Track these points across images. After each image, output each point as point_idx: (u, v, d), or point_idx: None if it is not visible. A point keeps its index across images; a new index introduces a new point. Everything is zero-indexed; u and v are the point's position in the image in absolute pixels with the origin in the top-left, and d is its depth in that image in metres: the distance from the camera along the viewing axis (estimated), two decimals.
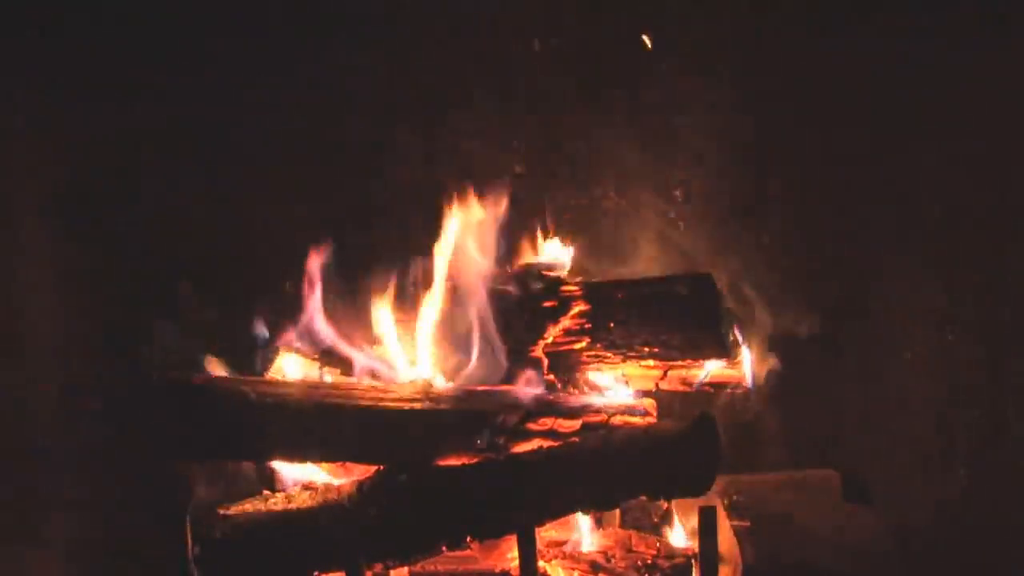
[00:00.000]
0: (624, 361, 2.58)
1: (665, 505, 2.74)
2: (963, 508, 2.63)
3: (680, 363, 2.59)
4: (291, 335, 2.54)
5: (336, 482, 2.38)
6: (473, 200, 2.63)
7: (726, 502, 2.62)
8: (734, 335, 2.60)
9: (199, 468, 2.38)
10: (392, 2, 2.93)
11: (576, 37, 2.92)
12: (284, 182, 2.87)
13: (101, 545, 2.67)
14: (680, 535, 2.69)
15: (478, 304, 2.52)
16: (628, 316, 2.55)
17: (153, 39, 2.83)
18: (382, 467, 2.33)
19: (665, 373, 2.61)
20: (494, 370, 2.49)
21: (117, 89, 2.76)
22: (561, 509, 2.33)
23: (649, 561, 2.54)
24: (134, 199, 2.82)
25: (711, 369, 2.61)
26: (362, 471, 2.36)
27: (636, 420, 2.53)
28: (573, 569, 2.48)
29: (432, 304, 2.57)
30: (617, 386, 2.61)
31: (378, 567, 2.32)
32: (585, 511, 2.38)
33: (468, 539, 2.28)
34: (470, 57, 2.96)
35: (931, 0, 2.80)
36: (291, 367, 2.54)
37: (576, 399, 2.50)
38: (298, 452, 2.31)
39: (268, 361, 2.53)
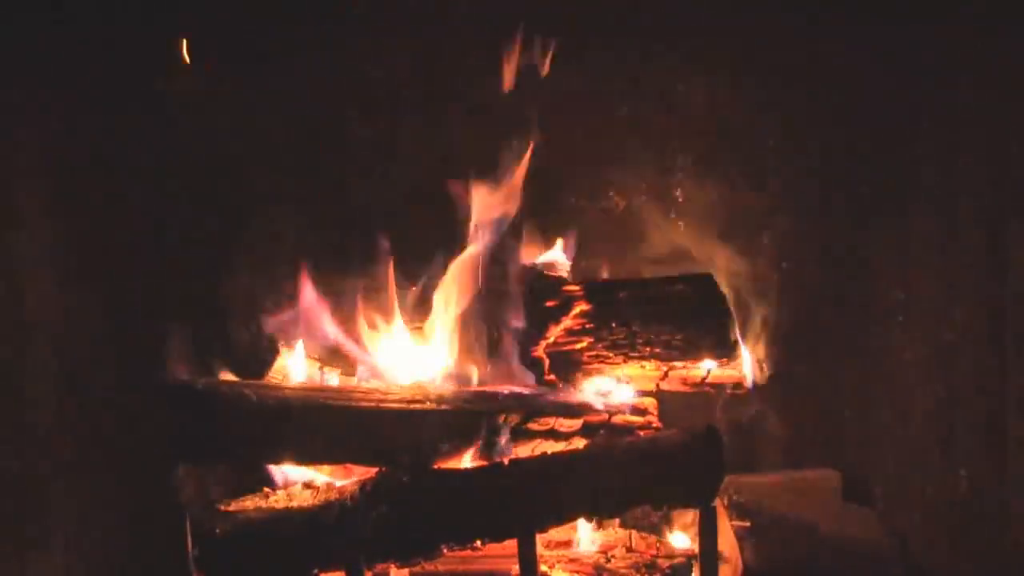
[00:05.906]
0: (625, 361, 2.58)
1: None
2: (963, 508, 2.64)
3: (681, 363, 2.60)
4: (292, 336, 2.53)
5: (338, 482, 2.37)
6: (476, 200, 2.63)
7: (726, 502, 2.62)
8: (734, 335, 2.61)
9: (199, 468, 2.37)
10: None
11: (577, 35, 2.90)
12: (286, 182, 2.86)
13: (101, 545, 2.67)
14: (680, 535, 2.69)
15: (480, 304, 2.52)
16: (630, 316, 2.56)
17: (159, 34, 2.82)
18: (384, 468, 2.32)
19: (666, 373, 2.61)
20: (496, 370, 2.49)
21: (117, 87, 2.75)
22: (563, 516, 2.32)
23: (649, 561, 2.54)
24: (135, 197, 2.81)
25: (712, 369, 2.61)
26: (363, 471, 2.36)
27: (637, 419, 2.54)
28: (576, 572, 2.49)
29: (433, 304, 2.56)
30: (618, 386, 2.61)
31: (379, 567, 2.33)
32: (588, 519, 2.38)
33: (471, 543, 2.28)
34: (469, 53, 2.95)
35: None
36: (292, 368, 2.53)
37: (577, 399, 2.50)
38: (300, 454, 2.30)
39: (268, 362, 2.52)
